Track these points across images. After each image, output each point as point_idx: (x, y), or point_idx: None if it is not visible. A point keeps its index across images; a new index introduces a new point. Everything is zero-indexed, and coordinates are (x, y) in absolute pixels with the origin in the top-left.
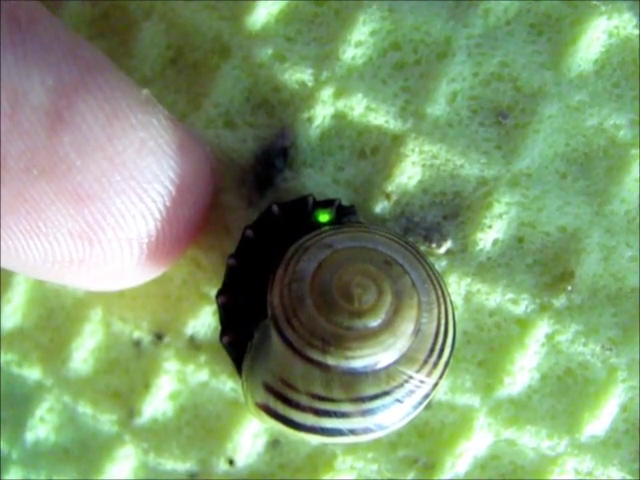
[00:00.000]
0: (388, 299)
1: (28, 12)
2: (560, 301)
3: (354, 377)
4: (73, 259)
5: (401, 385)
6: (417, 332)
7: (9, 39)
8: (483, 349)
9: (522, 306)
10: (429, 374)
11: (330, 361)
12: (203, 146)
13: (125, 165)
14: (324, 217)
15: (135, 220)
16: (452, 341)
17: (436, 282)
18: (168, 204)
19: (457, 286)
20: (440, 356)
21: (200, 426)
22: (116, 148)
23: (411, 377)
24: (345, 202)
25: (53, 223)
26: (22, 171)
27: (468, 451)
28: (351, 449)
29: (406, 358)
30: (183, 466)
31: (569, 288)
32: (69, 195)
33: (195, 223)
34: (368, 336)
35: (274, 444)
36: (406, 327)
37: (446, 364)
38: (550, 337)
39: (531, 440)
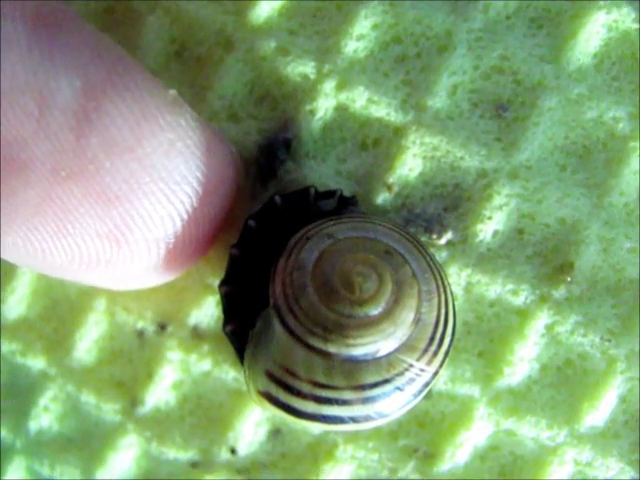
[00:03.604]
0: (389, 288)
1: (54, 13)
2: (559, 292)
3: (355, 365)
4: (100, 260)
5: (402, 373)
6: (417, 321)
7: (35, 40)
8: (483, 340)
9: (522, 297)
10: (429, 363)
11: (331, 349)
12: (229, 147)
13: (154, 166)
14: (326, 208)
15: (163, 221)
16: (452, 330)
17: (436, 272)
18: (195, 205)
19: (457, 277)
20: (440, 345)
21: (202, 415)
22: (145, 149)
23: (411, 365)
24: (347, 193)
25: (81, 224)
26: (50, 173)
27: (468, 441)
28: (352, 438)
29: (406, 346)
30: (185, 455)
31: (568, 279)
32: (97, 196)
33: (219, 222)
34: (369, 324)
35: (276, 433)
36: (406, 316)
37: (446, 353)
38: (550, 328)
39: (531, 430)
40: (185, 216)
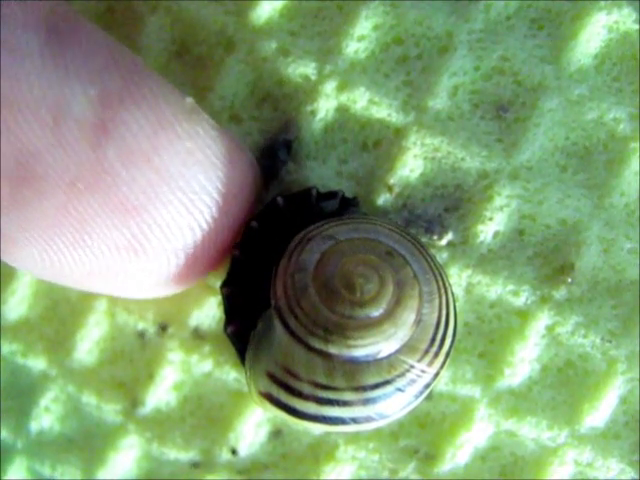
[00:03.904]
0: (390, 289)
1: (67, 21)
2: (560, 293)
3: (356, 366)
4: (118, 271)
5: (402, 374)
6: (418, 322)
7: (49, 50)
8: (484, 340)
9: (522, 298)
10: (430, 364)
11: (332, 350)
12: (247, 154)
13: (172, 176)
14: (327, 209)
15: (182, 231)
16: (453, 331)
17: (437, 273)
18: (215, 214)
19: (458, 278)
20: (441, 346)
21: (203, 416)
22: (162, 159)
23: (412, 366)
24: (348, 194)
25: (98, 236)
26: (66, 184)
27: (469, 442)
28: (353, 439)
29: (407, 348)
30: (186, 455)
31: (569, 280)
32: (115, 207)
33: (238, 231)
34: (370, 325)
35: (276, 434)
36: (407, 317)
37: (447, 354)
38: (550, 329)
39: (531, 431)
40: (205, 226)
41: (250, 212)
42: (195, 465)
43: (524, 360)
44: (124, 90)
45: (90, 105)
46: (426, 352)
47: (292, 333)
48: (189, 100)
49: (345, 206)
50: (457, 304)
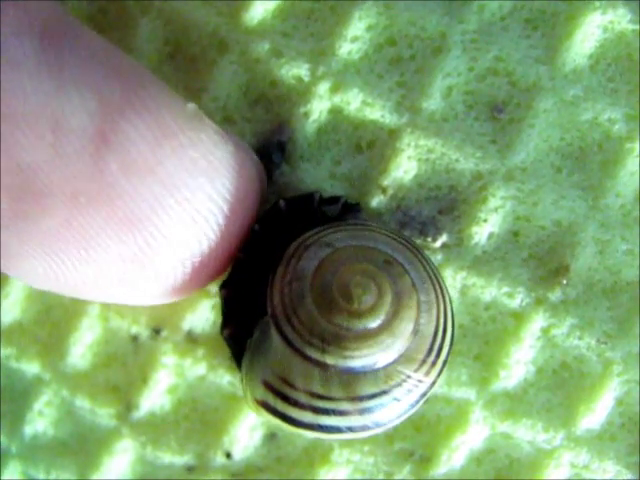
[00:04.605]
0: (388, 300)
1: (63, 27)
2: (555, 295)
3: (352, 376)
4: (124, 282)
5: (399, 384)
6: (416, 332)
7: (45, 59)
8: (479, 343)
9: (517, 300)
10: (427, 373)
11: (329, 360)
12: (253, 158)
13: (177, 187)
14: (328, 214)
15: (188, 241)
16: (450, 340)
17: (435, 281)
18: (221, 223)
19: (453, 280)
20: (438, 355)
21: (197, 419)
22: (167, 170)
23: (409, 376)
24: (351, 200)
25: (103, 249)
26: (69, 199)
27: (464, 444)
28: (348, 442)
29: (404, 358)
30: (181, 459)
31: (564, 282)
32: (119, 221)
33: (243, 237)
34: (367, 337)
35: (271, 437)
36: (405, 328)
37: (444, 363)
38: (545, 331)
39: (527, 433)
40: (211, 235)
41: (255, 217)
42: (190, 469)
43: (519, 362)
44: (124, 99)
45: (90, 116)
46: (423, 362)
47: (289, 342)
48: (191, 106)
49: (347, 212)
50: (453, 306)
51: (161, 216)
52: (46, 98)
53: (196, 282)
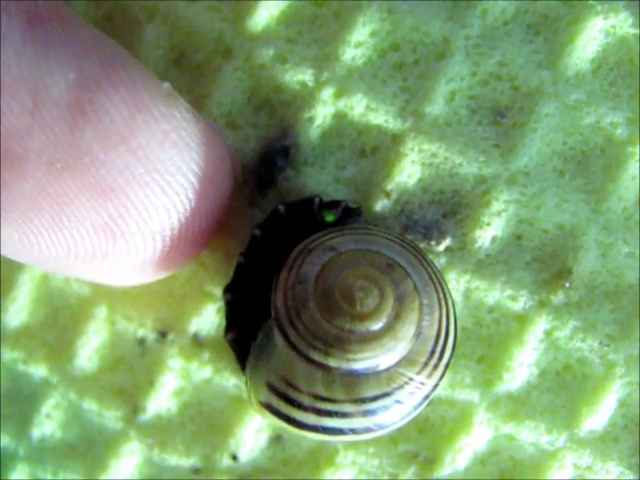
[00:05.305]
0: (390, 303)
1: (48, 8)
2: (558, 297)
3: (355, 378)
4: (96, 253)
5: (401, 387)
6: (418, 335)
7: (29, 34)
8: (482, 345)
9: (521, 303)
10: (429, 376)
11: (332, 363)
12: (224, 139)
13: (148, 158)
14: (330, 218)
15: (158, 213)
16: (453, 343)
17: (438, 285)
18: (191, 197)
19: (456, 283)
20: (441, 358)
21: (204, 422)
22: (139, 141)
23: (411, 379)
24: (352, 204)
25: (76, 217)
26: (45, 165)
27: (468, 446)
28: (352, 444)
29: (407, 360)
30: (187, 462)
31: (567, 285)
32: (92, 188)
33: (216, 217)
34: (369, 339)
35: (277, 440)
36: (407, 330)
37: (446, 366)
38: (548, 333)
39: (530, 435)
40: (181, 208)
41: (227, 198)
42: (196, 471)
43: (523, 364)
44: (102, 74)
45: (69, 89)
46: (425, 364)
47: (292, 345)
48: (166, 85)
49: (348, 216)
50: (455, 309)
51: (132, 185)
52: (29, 70)
53: (169, 259)
